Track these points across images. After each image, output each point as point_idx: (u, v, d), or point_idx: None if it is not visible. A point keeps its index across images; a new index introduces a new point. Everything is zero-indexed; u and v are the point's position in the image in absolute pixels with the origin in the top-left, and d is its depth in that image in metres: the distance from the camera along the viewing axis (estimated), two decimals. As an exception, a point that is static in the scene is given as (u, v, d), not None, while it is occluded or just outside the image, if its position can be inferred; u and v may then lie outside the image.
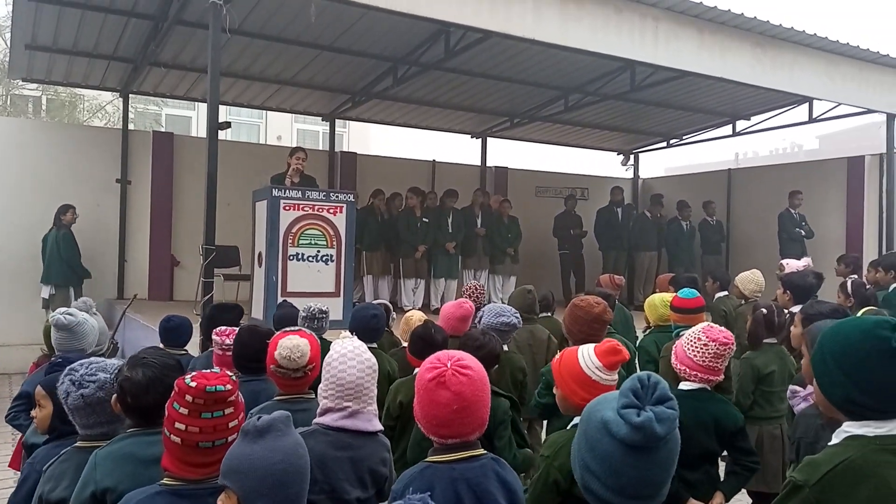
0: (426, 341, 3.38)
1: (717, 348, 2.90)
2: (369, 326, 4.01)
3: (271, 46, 9.21)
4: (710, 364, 2.91)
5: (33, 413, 2.60)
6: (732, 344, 2.94)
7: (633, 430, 1.45)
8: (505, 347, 3.92)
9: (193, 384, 1.84)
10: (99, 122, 19.89)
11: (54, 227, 9.17)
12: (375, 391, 2.39)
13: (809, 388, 2.81)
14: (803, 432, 2.68)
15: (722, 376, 3.01)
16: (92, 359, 2.43)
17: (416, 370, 3.32)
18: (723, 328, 3.01)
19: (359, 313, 4.11)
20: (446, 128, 13.62)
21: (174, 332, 4.38)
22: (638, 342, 5.20)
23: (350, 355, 2.34)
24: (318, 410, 2.35)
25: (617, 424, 1.48)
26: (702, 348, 2.91)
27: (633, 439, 1.46)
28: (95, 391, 2.23)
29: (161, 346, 4.43)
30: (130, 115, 13.44)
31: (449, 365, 1.97)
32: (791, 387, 2.94)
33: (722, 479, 3.07)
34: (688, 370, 2.94)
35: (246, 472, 1.69)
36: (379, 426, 2.38)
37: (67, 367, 2.34)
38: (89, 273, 9.40)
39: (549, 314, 5.24)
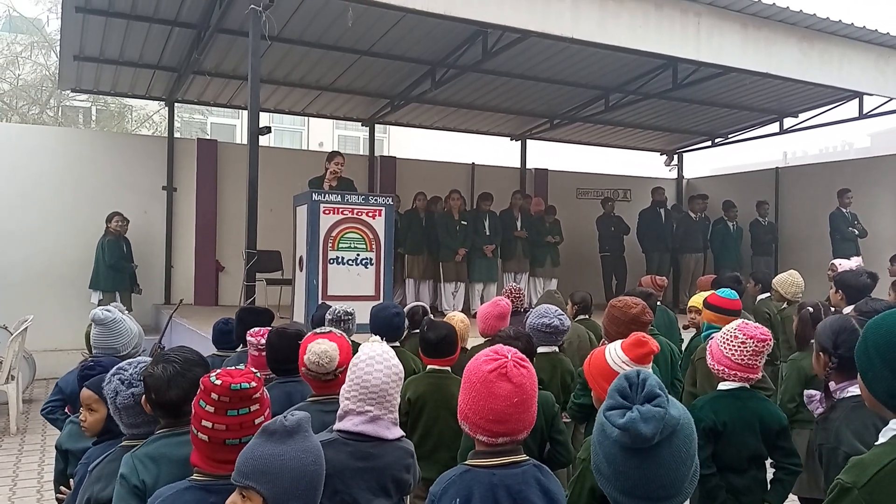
0: (422, 339, 3.49)
1: (756, 345, 2.81)
2: (391, 325, 4.01)
3: (311, 52, 9.31)
4: (749, 362, 2.82)
5: (81, 417, 2.59)
6: (770, 340, 2.85)
7: (620, 432, 1.41)
8: (555, 349, 3.89)
9: (219, 382, 1.84)
10: (147, 131, 20.38)
11: (104, 233, 9.39)
12: (398, 399, 2.35)
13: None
14: (823, 438, 2.57)
15: (760, 373, 2.91)
16: (139, 358, 2.45)
17: (429, 367, 3.48)
18: (759, 325, 2.91)
19: (380, 313, 4.10)
20: (485, 130, 13.58)
21: (230, 334, 4.41)
22: (684, 344, 5.11)
23: (378, 359, 2.28)
24: (339, 413, 2.30)
25: (607, 426, 1.45)
26: (739, 346, 2.82)
27: (622, 441, 1.42)
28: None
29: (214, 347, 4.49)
30: (177, 125, 13.73)
31: (510, 356, 1.95)
32: (806, 392, 2.83)
33: (768, 490, 2.96)
34: (726, 370, 2.84)
35: (277, 473, 1.66)
36: (399, 433, 2.32)
37: (115, 368, 2.35)
38: (139, 285, 9.59)
39: (587, 316, 5.17)
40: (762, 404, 2.93)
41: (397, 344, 4.05)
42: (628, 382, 1.50)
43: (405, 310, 4.52)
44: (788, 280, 5.88)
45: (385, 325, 4.00)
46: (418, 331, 4.57)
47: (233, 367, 1.92)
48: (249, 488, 1.68)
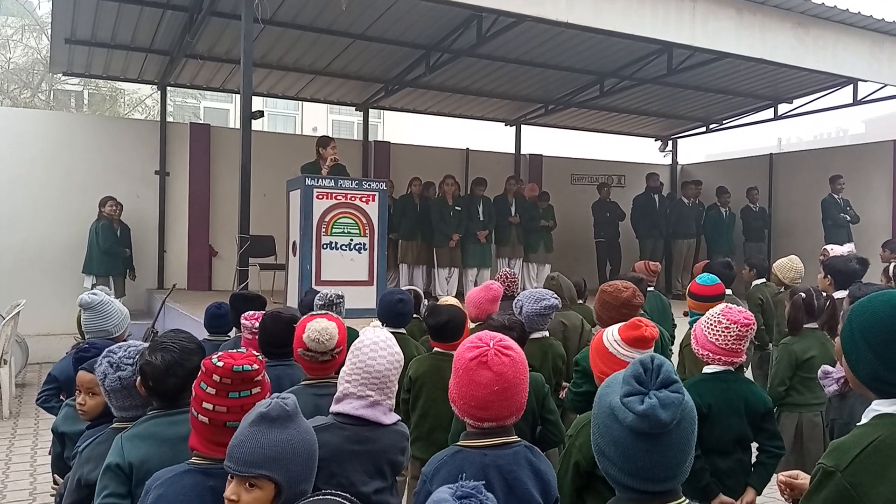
0: (426, 323, 3.63)
1: (739, 330, 2.83)
2: (395, 311, 4.01)
3: (304, 36, 9.25)
4: (733, 346, 2.85)
5: (79, 400, 2.58)
6: (753, 324, 2.87)
7: (638, 418, 1.41)
8: (546, 333, 3.90)
9: (221, 364, 1.84)
10: (139, 115, 20.24)
11: (97, 218, 9.36)
12: (396, 386, 2.37)
13: (840, 369, 2.72)
14: (837, 413, 2.60)
15: (744, 357, 2.94)
16: (130, 342, 2.44)
17: (434, 349, 3.52)
18: (742, 308, 2.94)
19: (385, 298, 4.10)
20: (480, 115, 13.54)
21: (223, 318, 4.41)
22: (677, 329, 5.13)
23: (382, 345, 2.29)
24: (336, 395, 2.30)
25: (622, 412, 1.43)
26: (723, 331, 2.84)
27: (639, 427, 1.41)
28: (132, 374, 2.24)
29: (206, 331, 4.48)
30: (170, 109, 13.59)
31: (491, 345, 1.95)
32: (823, 367, 2.84)
33: (750, 473, 2.99)
34: (710, 354, 2.88)
35: (290, 458, 1.67)
36: (395, 418, 2.34)
37: (106, 350, 2.35)
38: (133, 270, 9.62)
39: (581, 301, 5.18)
40: (747, 387, 2.96)
41: (402, 331, 4.03)
42: (643, 368, 1.48)
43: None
44: (788, 265, 5.88)
45: (387, 311, 4.01)
46: (417, 315, 4.59)
47: (235, 351, 1.93)
48: (260, 477, 1.65)
